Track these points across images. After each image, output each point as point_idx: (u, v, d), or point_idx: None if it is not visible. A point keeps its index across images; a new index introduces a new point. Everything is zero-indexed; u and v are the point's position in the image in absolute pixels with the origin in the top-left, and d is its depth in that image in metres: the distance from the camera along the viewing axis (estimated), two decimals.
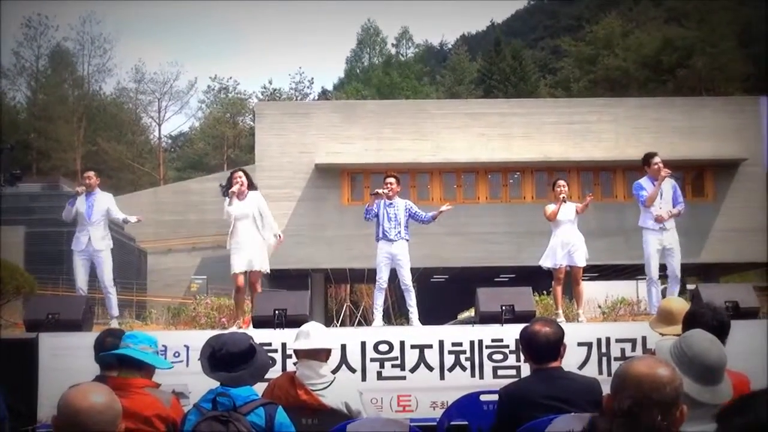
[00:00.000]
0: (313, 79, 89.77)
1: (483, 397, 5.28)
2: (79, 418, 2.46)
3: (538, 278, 15.37)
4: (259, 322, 7.73)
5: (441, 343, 7.50)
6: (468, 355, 7.46)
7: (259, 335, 6.58)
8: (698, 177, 23.98)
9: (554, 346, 4.01)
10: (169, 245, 32.43)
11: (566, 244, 9.38)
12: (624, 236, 21.67)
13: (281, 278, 22.38)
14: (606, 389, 2.51)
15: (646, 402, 2.14)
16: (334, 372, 4.67)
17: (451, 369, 7.44)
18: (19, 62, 53.74)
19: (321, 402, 4.28)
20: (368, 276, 22.64)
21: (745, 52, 48.78)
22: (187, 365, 7.04)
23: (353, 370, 7.37)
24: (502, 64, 60.14)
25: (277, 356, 7.27)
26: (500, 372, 7.34)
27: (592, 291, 15.78)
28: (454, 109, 24.93)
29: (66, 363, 7.05)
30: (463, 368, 7.43)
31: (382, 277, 9.15)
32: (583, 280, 9.74)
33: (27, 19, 53.57)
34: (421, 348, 7.49)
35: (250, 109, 53.80)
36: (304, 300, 8.01)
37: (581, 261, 9.44)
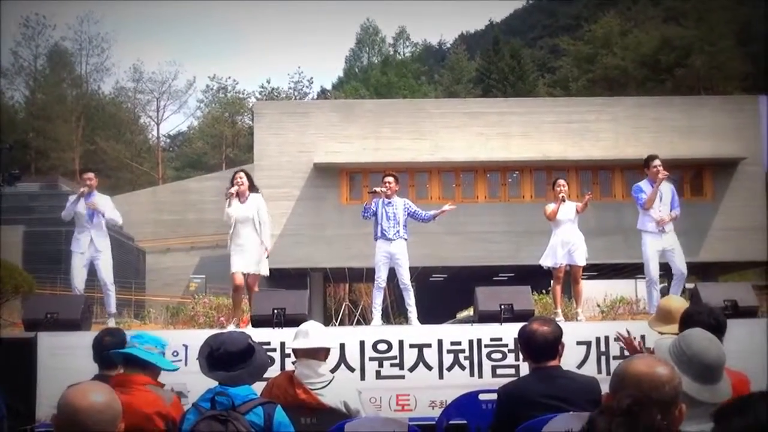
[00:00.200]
0: (312, 79, 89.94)
1: (482, 396, 5.28)
2: (78, 417, 2.46)
3: (536, 277, 15.38)
4: (258, 322, 7.73)
5: (440, 343, 7.49)
6: (467, 354, 7.46)
7: (258, 334, 6.58)
8: (697, 176, 23.99)
9: (552, 345, 4.02)
10: (167, 244, 32.43)
11: (566, 243, 9.38)
12: (623, 235, 21.67)
13: (280, 277, 22.38)
14: (605, 388, 2.51)
15: (646, 401, 2.14)
16: (332, 371, 4.67)
17: (450, 368, 7.44)
18: (17, 62, 53.83)
19: (320, 401, 4.27)
20: (367, 275, 22.62)
21: (744, 50, 48.78)
22: (186, 364, 7.02)
23: (352, 370, 7.37)
24: (501, 63, 60.13)
25: (276, 355, 7.26)
26: (499, 371, 7.33)
27: (591, 290, 15.78)
28: (452, 109, 24.92)
29: (65, 362, 7.05)
30: (462, 367, 7.43)
31: (381, 276, 9.14)
32: (582, 279, 9.74)
33: (25, 18, 53.69)
34: (420, 347, 7.49)
35: (249, 109, 53.81)
36: (302, 299, 8.01)
37: (581, 260, 9.45)
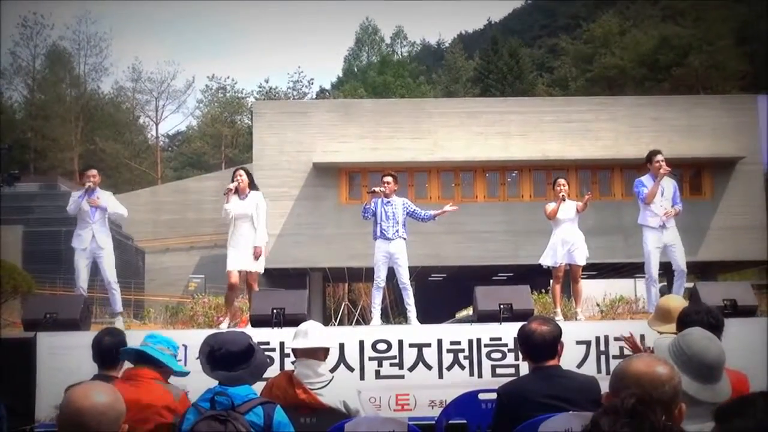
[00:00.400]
0: (312, 80, 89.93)
1: (481, 396, 5.28)
2: (81, 418, 2.47)
3: (535, 277, 15.41)
4: (257, 321, 7.72)
5: (439, 342, 7.48)
6: (466, 353, 7.45)
7: (257, 334, 6.57)
8: (696, 175, 23.99)
9: (551, 345, 4.01)
10: (167, 244, 32.42)
11: (566, 243, 9.38)
12: (622, 234, 21.70)
13: (279, 277, 22.41)
14: (605, 387, 2.50)
15: (650, 400, 2.14)
16: (332, 371, 4.67)
17: (449, 368, 7.43)
18: (16, 62, 53.79)
19: (319, 401, 4.27)
20: (366, 275, 22.63)
21: (742, 50, 48.82)
22: (185, 364, 7.02)
23: (351, 369, 7.36)
24: (499, 62, 60.13)
25: (275, 355, 7.26)
26: (499, 371, 7.33)
27: (591, 289, 15.80)
28: (451, 108, 24.92)
29: (64, 362, 7.04)
30: (462, 367, 7.42)
31: (380, 276, 9.13)
32: (581, 278, 9.75)
33: (23, 18, 53.65)
34: (420, 347, 7.48)
35: (248, 108, 53.80)
36: (302, 299, 8.00)
37: (581, 259, 9.45)
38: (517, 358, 7.24)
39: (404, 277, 9.15)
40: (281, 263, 22.07)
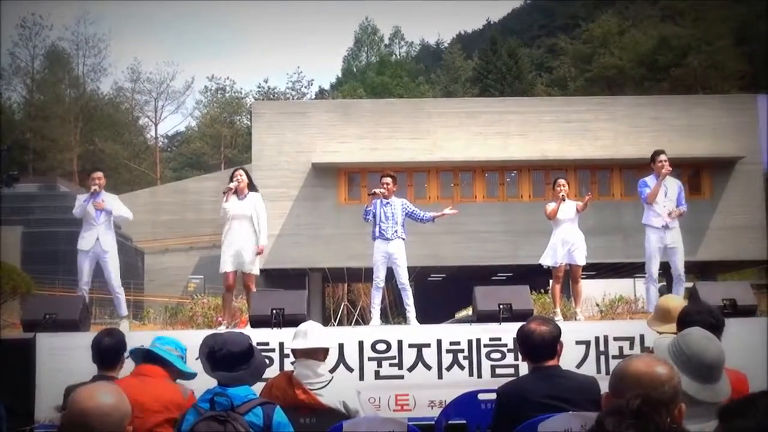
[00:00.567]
0: (312, 80, 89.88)
1: (481, 396, 5.28)
2: (85, 418, 2.47)
3: (535, 277, 15.41)
4: (257, 322, 7.71)
5: (439, 342, 7.48)
6: (466, 353, 7.45)
7: (257, 335, 6.57)
8: (695, 175, 23.99)
9: (550, 345, 4.01)
10: (166, 245, 32.40)
11: (566, 243, 9.38)
12: (622, 234, 21.68)
13: (278, 277, 22.40)
14: (604, 387, 2.50)
15: (654, 401, 2.14)
16: (331, 371, 4.67)
17: (449, 368, 7.43)
18: (15, 62, 53.75)
19: (319, 401, 4.27)
20: (365, 275, 22.63)
21: (741, 49, 48.85)
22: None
23: (351, 370, 7.36)
24: (498, 62, 60.12)
25: (275, 356, 7.26)
26: (498, 371, 7.32)
27: (590, 289, 15.80)
28: (451, 108, 24.92)
29: (63, 363, 7.03)
30: (461, 367, 7.42)
31: (379, 276, 9.13)
32: (581, 278, 9.75)
33: (22, 19, 53.61)
34: (419, 347, 7.48)
35: (247, 109, 53.77)
36: (301, 299, 7.99)
37: (581, 259, 9.44)
38: (516, 359, 7.23)
39: (403, 278, 9.15)
40: (280, 263, 22.07)
